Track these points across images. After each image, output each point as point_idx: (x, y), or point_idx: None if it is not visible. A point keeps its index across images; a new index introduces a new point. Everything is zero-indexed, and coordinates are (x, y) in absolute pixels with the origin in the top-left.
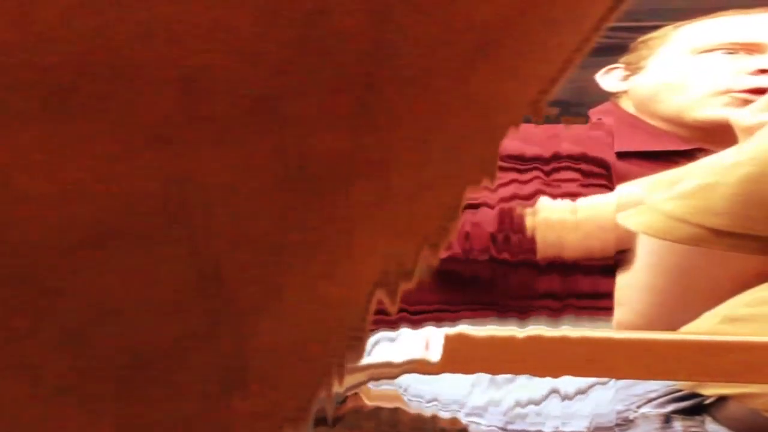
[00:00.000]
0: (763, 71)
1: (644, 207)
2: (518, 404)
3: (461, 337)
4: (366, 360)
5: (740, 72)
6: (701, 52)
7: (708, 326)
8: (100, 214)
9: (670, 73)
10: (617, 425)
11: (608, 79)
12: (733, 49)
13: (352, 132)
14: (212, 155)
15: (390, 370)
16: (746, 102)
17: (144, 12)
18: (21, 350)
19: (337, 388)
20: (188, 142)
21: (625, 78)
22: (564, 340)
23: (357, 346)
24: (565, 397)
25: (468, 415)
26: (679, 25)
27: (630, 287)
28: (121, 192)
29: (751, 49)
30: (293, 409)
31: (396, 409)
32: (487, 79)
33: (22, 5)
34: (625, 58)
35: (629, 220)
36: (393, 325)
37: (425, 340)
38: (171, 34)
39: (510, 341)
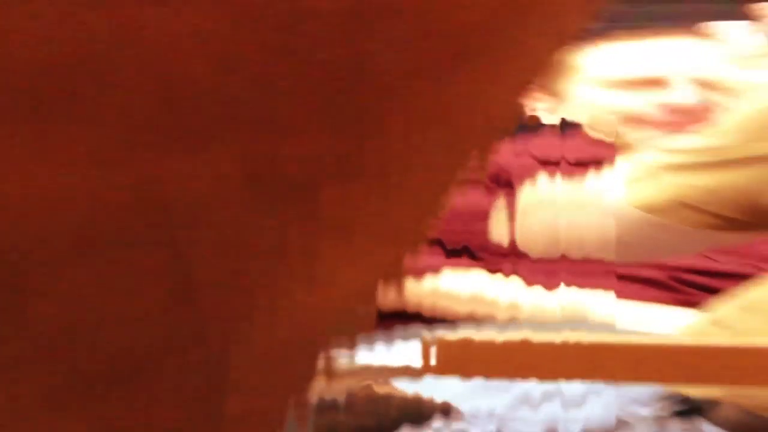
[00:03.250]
0: (667, 106)
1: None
2: (512, 409)
3: (457, 342)
4: (360, 363)
5: (649, 105)
6: (609, 86)
7: (699, 329)
8: (81, 220)
9: (589, 107)
10: (612, 428)
11: (537, 108)
12: (637, 84)
13: (330, 137)
14: (191, 161)
15: (385, 375)
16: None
17: (123, 18)
18: (1, 354)
19: (326, 391)
20: (167, 148)
21: (551, 110)
22: (559, 345)
23: (345, 348)
24: (560, 402)
25: (455, 421)
26: (579, 52)
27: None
28: (101, 198)
29: (652, 83)
30: (272, 413)
31: (390, 394)
32: (467, 85)
33: None
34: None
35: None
36: (383, 328)
37: (420, 345)
38: (150, 40)
39: (505, 346)
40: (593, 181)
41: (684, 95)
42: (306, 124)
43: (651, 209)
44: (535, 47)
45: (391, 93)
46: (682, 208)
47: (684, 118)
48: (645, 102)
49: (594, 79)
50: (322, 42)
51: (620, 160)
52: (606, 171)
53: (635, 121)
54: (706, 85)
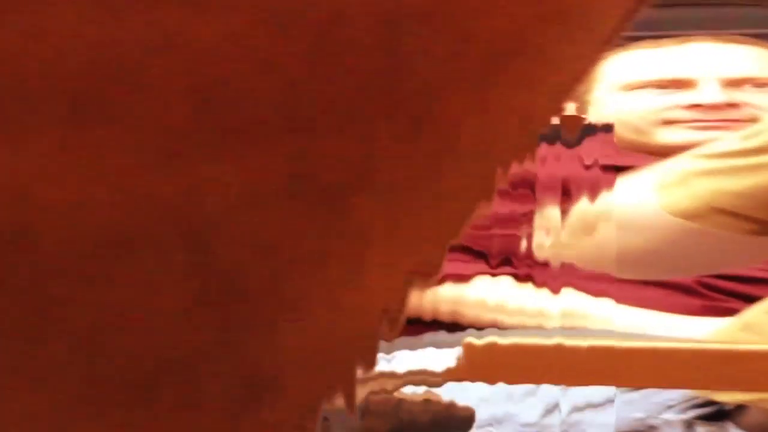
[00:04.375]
0: (694, 106)
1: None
2: (538, 416)
3: (485, 346)
4: (395, 368)
5: (676, 106)
6: (632, 89)
7: (729, 334)
8: (115, 224)
9: (613, 109)
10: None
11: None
12: (663, 85)
13: (367, 143)
14: (226, 165)
15: (412, 379)
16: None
17: (158, 23)
18: (34, 360)
19: (360, 395)
20: (203, 153)
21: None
22: (585, 350)
23: (373, 354)
24: (581, 409)
25: (480, 426)
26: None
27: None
28: (136, 202)
29: (679, 84)
30: (302, 418)
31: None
32: (503, 90)
33: (37, 16)
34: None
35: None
36: (417, 332)
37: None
38: (186, 45)
39: (533, 350)
40: (624, 188)
41: (712, 95)
42: (340, 129)
43: (686, 216)
44: (570, 54)
45: (426, 99)
46: (716, 213)
47: (714, 118)
48: (673, 102)
49: (619, 84)
50: (358, 47)
51: (650, 166)
52: (634, 177)
53: (664, 122)
54: (734, 84)
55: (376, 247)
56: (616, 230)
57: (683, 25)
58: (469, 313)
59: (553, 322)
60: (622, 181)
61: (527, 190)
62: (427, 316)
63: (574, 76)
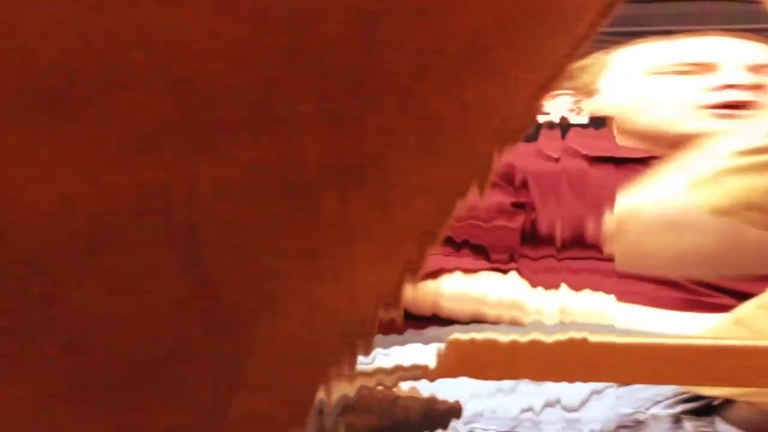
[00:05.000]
0: (727, 86)
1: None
2: (521, 411)
3: (464, 343)
4: (374, 365)
5: (704, 89)
6: (655, 74)
7: (723, 329)
8: (95, 221)
9: (632, 94)
10: (627, 427)
11: (558, 104)
12: (686, 69)
13: (344, 138)
14: (205, 162)
15: (399, 375)
16: (721, 115)
17: (137, 19)
18: (19, 357)
19: (345, 391)
20: (181, 149)
21: (577, 102)
22: (568, 345)
23: (358, 351)
24: (567, 407)
25: (466, 423)
26: (609, 51)
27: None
28: (115, 199)
29: (703, 68)
30: (291, 415)
31: (403, 396)
32: (479, 86)
33: (11, 10)
34: (569, 84)
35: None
36: (398, 329)
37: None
38: (164, 41)
39: (513, 346)
40: (654, 187)
41: (740, 76)
42: (319, 125)
43: (722, 213)
44: (548, 50)
45: (401, 94)
46: (748, 210)
47: (746, 99)
48: (706, 85)
49: (638, 71)
50: (333, 43)
51: (679, 160)
52: (662, 175)
53: (699, 106)
54: (756, 69)
55: (360, 244)
56: (657, 231)
57: (661, 20)
58: (449, 306)
59: (552, 318)
60: (649, 180)
61: (505, 183)
62: (419, 310)
63: (553, 71)
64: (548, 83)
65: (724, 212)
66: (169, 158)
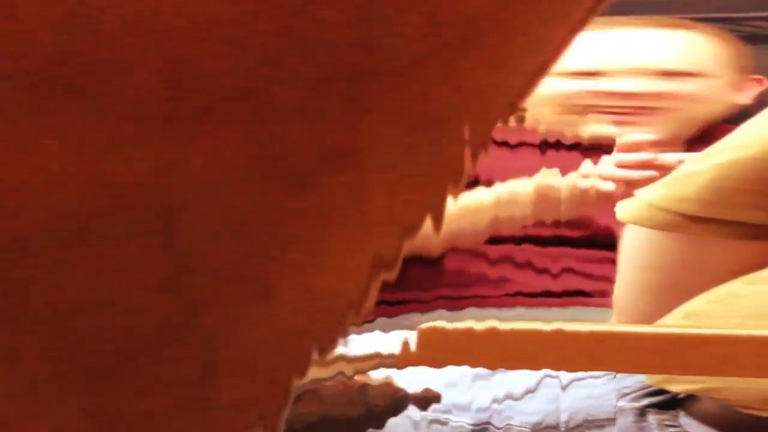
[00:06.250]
0: (609, 94)
1: (633, 199)
2: (494, 400)
3: (438, 330)
4: (344, 352)
5: (594, 94)
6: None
7: (672, 321)
8: (83, 205)
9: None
10: (594, 420)
11: None
12: (577, 74)
13: (337, 123)
14: (197, 147)
15: (369, 363)
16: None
17: (131, 3)
18: None
19: (316, 376)
20: (174, 133)
21: None
22: (539, 334)
23: (339, 336)
24: (538, 394)
25: (443, 412)
26: None
27: (626, 290)
28: (104, 183)
29: (592, 74)
30: (271, 400)
31: (366, 383)
32: (474, 71)
33: None
34: None
35: (619, 212)
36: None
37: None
38: (158, 24)
39: (486, 334)
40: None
41: (625, 84)
42: (317, 109)
43: (668, 228)
44: (544, 35)
45: (399, 77)
46: (691, 222)
47: (626, 105)
48: (585, 89)
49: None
50: (332, 26)
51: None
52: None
53: (579, 109)
54: (665, 74)
55: (344, 231)
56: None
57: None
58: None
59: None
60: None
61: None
62: None
63: (549, 56)
64: (544, 68)
65: (673, 228)
66: (160, 141)
